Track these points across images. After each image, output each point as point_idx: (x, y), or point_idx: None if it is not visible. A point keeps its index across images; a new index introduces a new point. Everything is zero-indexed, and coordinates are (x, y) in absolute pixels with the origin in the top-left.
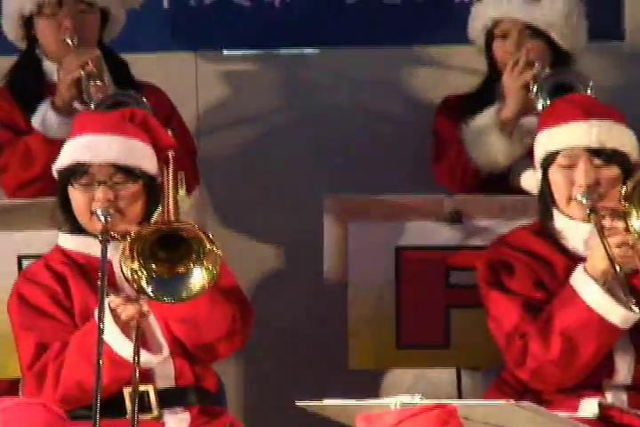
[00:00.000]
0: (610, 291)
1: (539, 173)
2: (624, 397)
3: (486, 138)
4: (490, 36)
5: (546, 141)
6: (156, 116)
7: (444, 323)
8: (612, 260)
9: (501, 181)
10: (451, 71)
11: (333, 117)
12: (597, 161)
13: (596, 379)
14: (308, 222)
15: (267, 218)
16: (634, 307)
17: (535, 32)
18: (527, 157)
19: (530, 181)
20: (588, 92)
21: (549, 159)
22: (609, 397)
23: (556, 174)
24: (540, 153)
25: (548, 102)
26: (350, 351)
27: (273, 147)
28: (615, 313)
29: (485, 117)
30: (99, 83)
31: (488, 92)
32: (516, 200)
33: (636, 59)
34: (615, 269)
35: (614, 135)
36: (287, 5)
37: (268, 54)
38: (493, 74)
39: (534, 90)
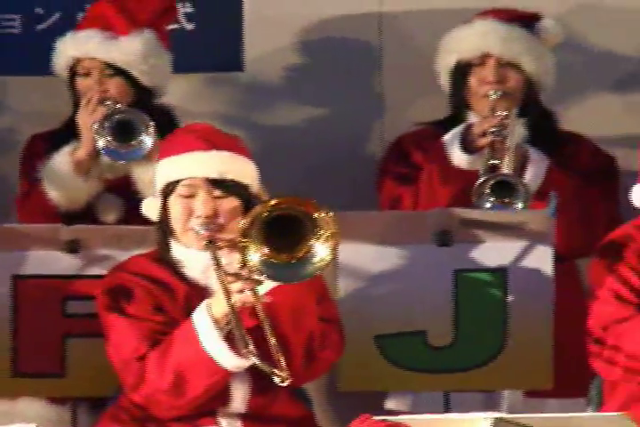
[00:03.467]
0: (227, 335)
1: (158, 202)
2: (239, 425)
3: (62, 178)
4: (73, 72)
5: (166, 171)
6: None
7: (61, 352)
8: (231, 304)
9: (83, 216)
10: None
11: None
12: (217, 192)
13: (211, 407)
14: None
15: None
16: (250, 356)
17: (115, 70)
18: (112, 191)
19: (150, 208)
20: (150, 131)
21: (169, 188)
22: (224, 425)
23: (174, 204)
24: (160, 182)
25: (109, 139)
26: None
27: None
28: (228, 360)
29: (61, 157)
30: None
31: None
32: (133, 230)
33: (254, 89)
34: (235, 317)
35: (235, 166)
36: None
37: None
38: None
39: (95, 127)
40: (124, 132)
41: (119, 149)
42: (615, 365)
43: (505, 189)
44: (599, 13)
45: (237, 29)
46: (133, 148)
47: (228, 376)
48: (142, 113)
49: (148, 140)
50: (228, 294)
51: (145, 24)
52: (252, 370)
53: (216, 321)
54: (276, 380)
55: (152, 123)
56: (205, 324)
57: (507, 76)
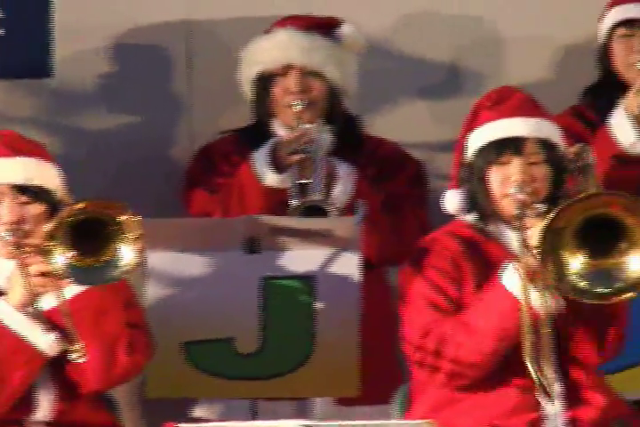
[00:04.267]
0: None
1: None
2: None
3: None
4: None
5: None
6: None
7: None
8: (32, 294)
9: None
10: None
11: None
12: (23, 198)
13: (17, 416)
14: None
15: None
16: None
17: None
18: None
19: None
20: None
21: None
22: None
23: None
24: None
25: None
26: None
27: None
28: (42, 341)
29: None
30: None
31: None
32: None
33: (63, 95)
34: (34, 302)
35: (40, 172)
36: None
37: None
38: None
39: None
40: None
41: None
42: (439, 371)
43: (316, 211)
44: (410, 20)
45: (46, 36)
46: None
47: (41, 362)
48: None
49: None
50: (24, 273)
51: None
52: (56, 378)
53: (17, 308)
54: (73, 356)
55: None
56: (8, 312)
57: (310, 86)
